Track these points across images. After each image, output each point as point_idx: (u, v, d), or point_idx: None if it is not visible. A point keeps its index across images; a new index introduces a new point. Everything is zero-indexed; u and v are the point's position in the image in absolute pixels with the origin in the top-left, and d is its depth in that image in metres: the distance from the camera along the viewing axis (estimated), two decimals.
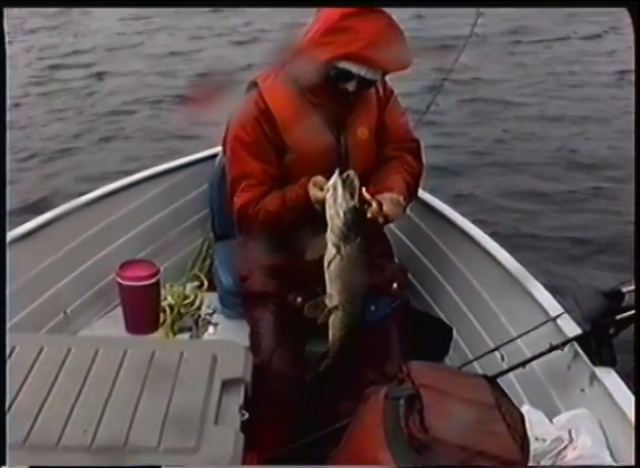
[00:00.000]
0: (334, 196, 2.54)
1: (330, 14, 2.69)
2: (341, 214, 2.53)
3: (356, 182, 2.56)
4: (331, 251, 2.60)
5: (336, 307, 2.66)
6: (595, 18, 11.91)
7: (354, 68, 2.68)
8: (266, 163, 2.86)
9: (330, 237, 2.59)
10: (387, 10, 2.69)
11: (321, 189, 2.62)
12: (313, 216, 2.67)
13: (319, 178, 2.66)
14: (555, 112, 8.77)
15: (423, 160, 3.11)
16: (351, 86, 2.75)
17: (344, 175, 2.55)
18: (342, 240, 2.57)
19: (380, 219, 2.65)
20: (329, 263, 2.62)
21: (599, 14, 11.50)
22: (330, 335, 2.74)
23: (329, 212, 2.56)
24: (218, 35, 14.07)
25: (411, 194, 2.94)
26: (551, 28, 12.03)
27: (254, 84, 2.95)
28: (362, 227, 2.58)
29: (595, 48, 11.33)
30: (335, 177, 2.56)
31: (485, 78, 9.82)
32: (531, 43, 11.63)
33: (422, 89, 6.19)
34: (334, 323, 2.71)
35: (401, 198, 2.76)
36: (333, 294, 2.65)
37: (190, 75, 11.01)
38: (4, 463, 1.73)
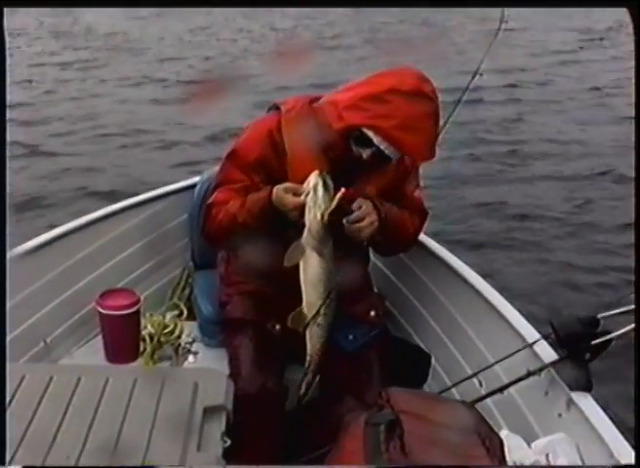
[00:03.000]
0: (314, 199, 2.54)
1: (381, 81, 2.69)
2: (319, 217, 2.54)
3: (331, 183, 2.56)
4: (310, 255, 2.60)
5: (317, 313, 2.65)
6: None
7: (376, 139, 2.67)
8: (254, 183, 2.86)
9: (308, 241, 2.59)
10: None
11: (295, 195, 2.61)
12: (267, 225, 2.70)
13: (291, 185, 2.66)
14: None
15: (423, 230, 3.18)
16: (366, 153, 2.73)
17: (323, 175, 2.56)
18: (321, 243, 2.58)
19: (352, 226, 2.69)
20: (308, 268, 2.62)
21: None
22: (309, 347, 2.72)
23: (308, 215, 2.55)
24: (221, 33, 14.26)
25: (393, 226, 2.88)
26: None
27: (275, 107, 2.95)
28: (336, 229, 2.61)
29: None
30: (315, 179, 2.55)
31: None
32: None
33: None
34: (313, 331, 2.70)
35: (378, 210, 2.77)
36: (312, 301, 2.64)
37: (195, 72, 11.12)
38: (3, 463, 1.73)
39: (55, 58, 13.74)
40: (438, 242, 3.47)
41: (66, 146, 8.98)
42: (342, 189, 2.55)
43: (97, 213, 3.52)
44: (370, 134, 2.67)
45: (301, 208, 2.58)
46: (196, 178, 3.78)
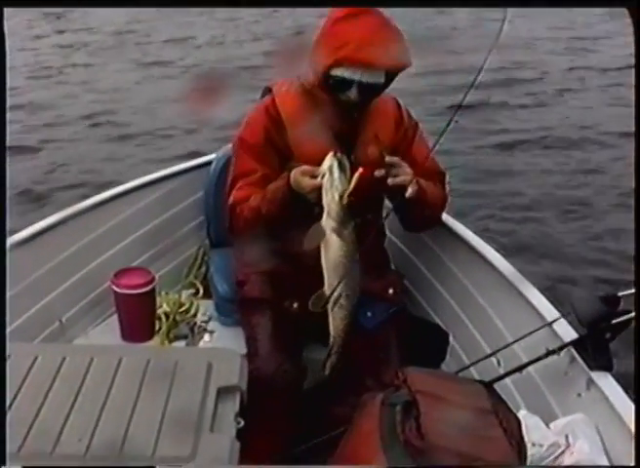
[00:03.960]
0: (330, 180, 2.52)
1: (326, 21, 2.70)
2: (337, 198, 2.51)
3: (347, 163, 2.54)
4: (330, 237, 2.57)
5: (339, 296, 2.61)
6: None
7: (347, 73, 2.65)
8: (268, 167, 2.86)
9: (327, 223, 2.56)
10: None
11: (312, 177, 2.59)
12: (293, 212, 2.68)
13: (307, 167, 2.62)
14: None
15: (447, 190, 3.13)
16: (352, 94, 2.71)
17: (338, 155, 2.54)
18: (341, 224, 2.55)
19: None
20: (328, 250, 2.60)
21: None
22: (332, 328, 2.69)
23: (326, 197, 2.53)
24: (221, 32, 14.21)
25: (425, 191, 2.83)
26: None
27: (268, 90, 2.98)
28: (355, 210, 2.58)
29: None
30: (330, 160, 2.53)
31: None
32: None
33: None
34: (336, 313, 2.66)
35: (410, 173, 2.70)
36: (334, 283, 2.60)
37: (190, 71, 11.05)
38: (4, 463, 1.72)
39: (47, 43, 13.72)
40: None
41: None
42: (360, 169, 2.52)
43: (112, 190, 3.51)
44: (339, 72, 2.66)
45: (319, 189, 2.56)
46: (212, 156, 3.76)
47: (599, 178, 7.44)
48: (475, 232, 3.35)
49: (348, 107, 2.78)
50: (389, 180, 2.64)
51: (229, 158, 3.22)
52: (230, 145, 3.32)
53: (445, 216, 3.40)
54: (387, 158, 2.66)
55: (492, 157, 8.07)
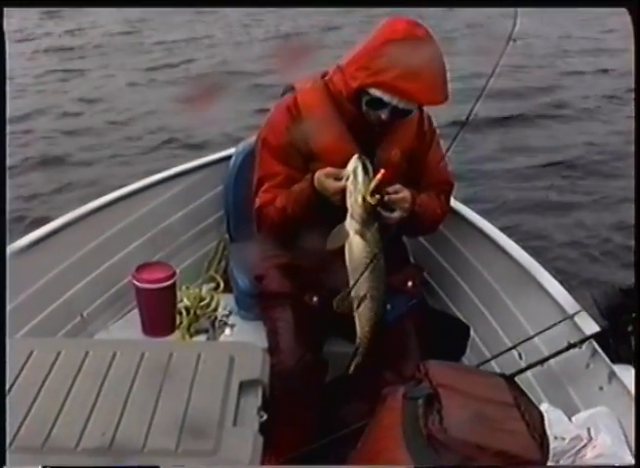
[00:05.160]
0: (354, 183, 2.53)
1: (376, 35, 2.68)
2: (361, 200, 2.53)
3: (370, 166, 2.56)
4: (354, 238, 2.59)
5: (364, 296, 2.63)
6: None
7: (386, 97, 2.65)
8: (291, 167, 2.87)
9: (351, 225, 2.58)
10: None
11: (336, 179, 2.61)
12: (317, 211, 2.69)
13: (331, 170, 2.64)
14: None
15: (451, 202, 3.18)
16: (384, 114, 2.71)
17: (363, 158, 2.55)
18: (364, 226, 2.56)
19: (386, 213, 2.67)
20: (352, 252, 2.61)
21: None
22: (358, 329, 2.70)
23: (350, 199, 2.55)
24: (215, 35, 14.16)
25: (423, 211, 2.89)
26: None
27: (291, 87, 2.97)
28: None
29: None
30: (354, 162, 2.55)
31: None
32: None
33: None
34: (362, 314, 2.67)
35: (408, 202, 2.73)
36: (359, 283, 2.61)
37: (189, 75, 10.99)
38: (4, 463, 1.73)
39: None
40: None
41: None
42: (382, 170, 2.54)
43: (132, 185, 3.51)
44: (377, 93, 2.66)
45: (343, 192, 2.58)
46: (231, 150, 3.76)
47: None
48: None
49: (377, 124, 2.78)
50: (384, 216, 2.67)
51: (250, 152, 3.24)
52: (250, 139, 3.34)
53: (464, 209, 3.40)
54: (387, 188, 2.66)
55: None
